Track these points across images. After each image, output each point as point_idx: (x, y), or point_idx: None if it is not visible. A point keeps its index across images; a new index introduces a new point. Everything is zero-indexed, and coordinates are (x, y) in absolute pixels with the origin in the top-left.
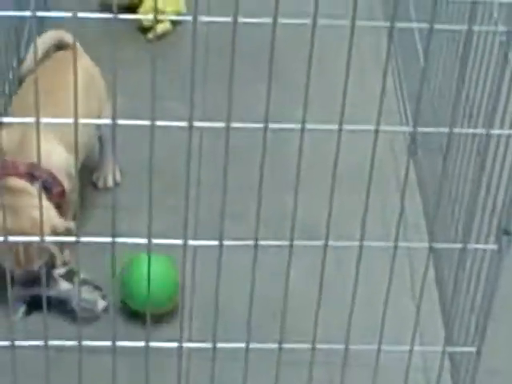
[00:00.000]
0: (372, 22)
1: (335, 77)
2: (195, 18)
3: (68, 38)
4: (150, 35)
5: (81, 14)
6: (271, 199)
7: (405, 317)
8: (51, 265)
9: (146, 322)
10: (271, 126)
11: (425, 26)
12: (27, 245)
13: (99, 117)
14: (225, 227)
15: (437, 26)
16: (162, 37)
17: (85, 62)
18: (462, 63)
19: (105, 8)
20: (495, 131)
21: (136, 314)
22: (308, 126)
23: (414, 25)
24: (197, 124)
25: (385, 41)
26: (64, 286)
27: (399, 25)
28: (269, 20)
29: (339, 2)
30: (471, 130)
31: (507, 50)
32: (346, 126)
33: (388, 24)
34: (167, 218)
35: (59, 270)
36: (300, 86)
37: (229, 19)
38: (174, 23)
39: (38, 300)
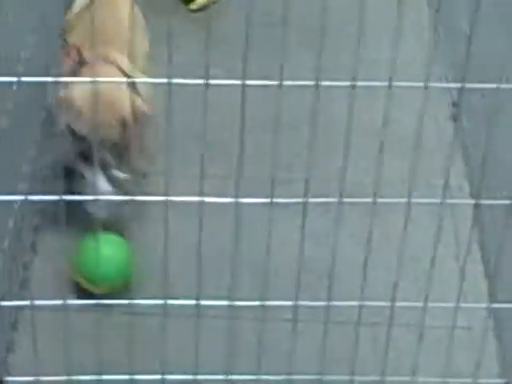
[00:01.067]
0: None
1: (375, 44)
2: None
3: None
4: (193, 6)
5: None
6: (318, 162)
7: (449, 277)
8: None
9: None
10: (323, 83)
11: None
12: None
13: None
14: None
15: None
16: (204, 8)
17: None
18: None
19: None
20: None
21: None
22: (358, 83)
23: None
24: (250, 82)
25: (426, 10)
26: (103, 186)
27: None
28: None
29: None
30: None
31: None
32: (396, 83)
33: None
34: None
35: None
36: (339, 55)
37: None
38: None
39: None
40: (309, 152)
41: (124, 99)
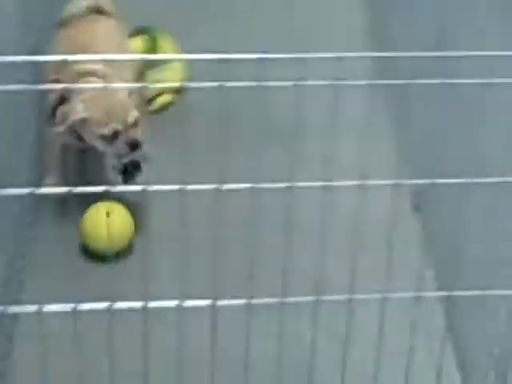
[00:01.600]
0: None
1: (337, 135)
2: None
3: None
4: (153, 107)
5: None
6: (285, 259)
7: (422, 369)
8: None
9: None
10: (296, 184)
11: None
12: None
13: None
14: (239, 289)
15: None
16: (163, 108)
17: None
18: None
19: None
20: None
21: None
22: (328, 183)
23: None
24: (226, 186)
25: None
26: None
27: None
28: (252, 83)
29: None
30: (484, 180)
31: None
32: (366, 182)
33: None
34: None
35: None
36: (300, 147)
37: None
38: (178, 92)
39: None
40: (284, 251)
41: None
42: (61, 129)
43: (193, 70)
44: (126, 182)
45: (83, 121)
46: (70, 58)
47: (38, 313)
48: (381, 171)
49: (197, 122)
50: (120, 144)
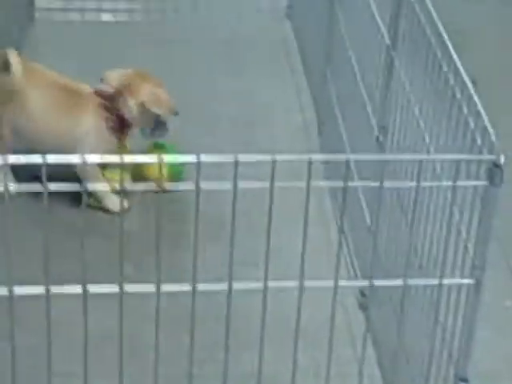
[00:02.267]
0: (316, 181)
1: (282, 234)
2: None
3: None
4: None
5: None
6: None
7: None
8: None
9: None
10: (235, 286)
11: (375, 184)
12: None
13: None
14: None
15: (386, 185)
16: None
17: None
18: (410, 218)
19: None
20: (446, 281)
21: None
22: (271, 284)
23: (359, 183)
24: (164, 288)
25: (328, 201)
26: None
27: (352, 184)
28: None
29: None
30: (423, 281)
31: (452, 203)
32: (306, 283)
33: (339, 183)
34: None
35: None
36: (245, 245)
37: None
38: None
39: None
40: (224, 348)
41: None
42: None
43: None
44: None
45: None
46: None
47: None
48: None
49: (144, 218)
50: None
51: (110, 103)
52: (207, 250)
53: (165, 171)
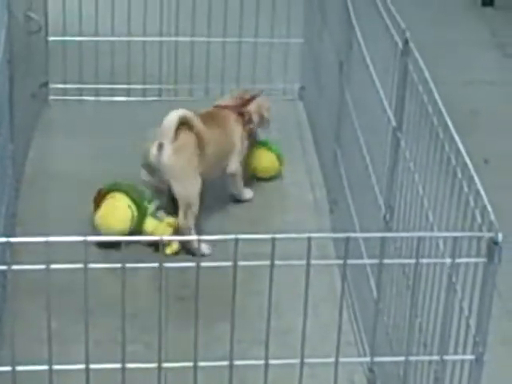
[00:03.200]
0: (325, 260)
1: (291, 314)
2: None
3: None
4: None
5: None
6: None
7: None
8: None
9: None
10: (236, 362)
11: (375, 261)
12: None
13: None
14: None
15: (386, 261)
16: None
17: None
18: (412, 294)
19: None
20: (449, 357)
21: None
22: (272, 361)
23: (366, 261)
24: (166, 365)
25: (338, 278)
26: None
27: (351, 261)
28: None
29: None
30: (426, 358)
31: (453, 280)
32: (306, 360)
33: (341, 261)
34: None
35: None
36: (254, 324)
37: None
38: None
39: None
40: None
41: None
42: None
43: None
44: None
45: None
46: None
47: None
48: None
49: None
50: None
51: (244, 116)
52: (216, 327)
53: (273, 159)
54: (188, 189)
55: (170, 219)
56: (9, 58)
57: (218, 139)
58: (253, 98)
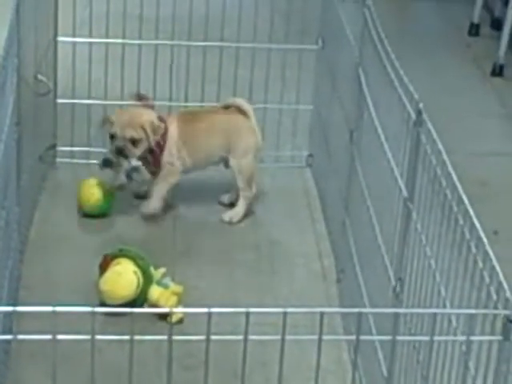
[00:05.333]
0: (333, 335)
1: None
2: None
3: None
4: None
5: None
6: None
7: None
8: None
9: None
10: None
11: (388, 338)
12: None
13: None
14: None
15: (399, 338)
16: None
17: None
18: (423, 370)
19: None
20: None
21: None
22: None
23: (379, 337)
24: None
25: (345, 350)
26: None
27: (364, 337)
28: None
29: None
30: None
31: (467, 357)
32: None
33: (353, 337)
34: None
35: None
36: None
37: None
38: None
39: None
40: None
41: (145, 116)
42: None
43: None
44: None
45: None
46: None
47: None
48: None
49: (157, 364)
50: (113, 145)
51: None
52: None
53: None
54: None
55: (176, 287)
56: (17, 121)
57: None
58: None
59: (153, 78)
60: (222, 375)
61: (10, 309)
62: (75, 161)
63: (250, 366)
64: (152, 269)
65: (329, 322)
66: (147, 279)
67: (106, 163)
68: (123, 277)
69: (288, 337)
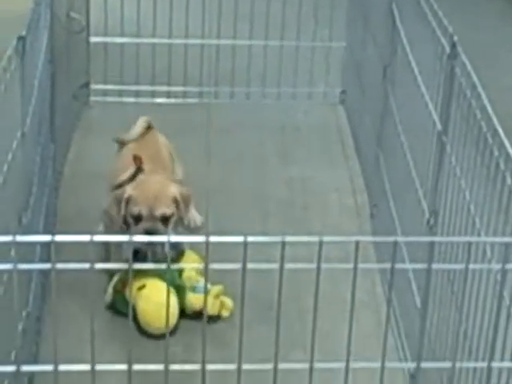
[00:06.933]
0: (368, 264)
1: (331, 318)
2: None
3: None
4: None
5: None
6: None
7: None
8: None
9: None
10: (281, 366)
11: (423, 266)
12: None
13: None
14: None
15: (435, 266)
16: None
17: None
18: (458, 300)
19: None
20: (496, 364)
21: None
22: (316, 365)
23: (414, 265)
24: (209, 367)
25: (379, 283)
26: None
27: (399, 266)
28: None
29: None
30: (472, 364)
31: (502, 287)
32: (352, 364)
33: (388, 265)
34: None
35: None
36: (293, 328)
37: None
38: None
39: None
40: None
41: (172, 187)
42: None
43: None
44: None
45: (128, 199)
46: None
47: None
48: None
49: None
50: (140, 227)
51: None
52: (256, 331)
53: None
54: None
55: (215, 289)
56: (50, 58)
57: None
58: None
59: (185, 14)
60: (258, 308)
61: (48, 238)
62: (108, 99)
63: (284, 299)
64: (178, 280)
65: (363, 254)
66: (180, 291)
67: (139, 255)
68: (163, 306)
69: (324, 265)
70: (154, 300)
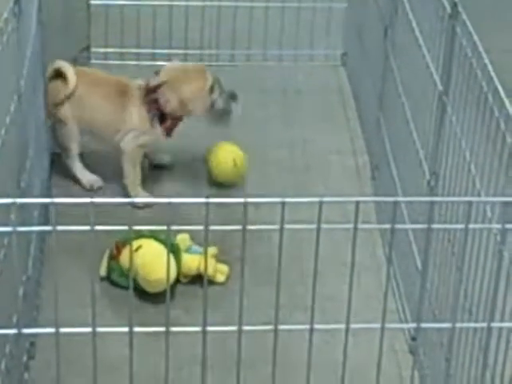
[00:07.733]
0: (368, 224)
1: (332, 280)
2: None
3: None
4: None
5: None
6: None
7: None
8: None
9: None
10: (281, 327)
11: (424, 226)
12: None
13: None
14: None
15: (435, 226)
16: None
17: None
18: (458, 259)
19: None
20: (496, 324)
21: None
22: (317, 326)
23: (415, 226)
24: (210, 329)
25: (380, 245)
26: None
27: (399, 226)
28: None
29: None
30: (472, 325)
31: (502, 247)
32: (352, 326)
33: (388, 226)
34: None
35: None
36: (295, 290)
37: None
38: None
39: None
40: None
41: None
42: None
43: None
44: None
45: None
46: None
47: None
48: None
49: None
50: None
51: (151, 97)
52: (256, 293)
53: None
54: None
55: (211, 249)
56: (40, 19)
57: (104, 109)
58: (156, 88)
59: None
60: (258, 271)
61: (48, 200)
62: (109, 62)
63: (284, 261)
64: (173, 239)
65: (363, 217)
66: (176, 253)
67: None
68: (160, 258)
69: (323, 225)
70: (152, 253)
